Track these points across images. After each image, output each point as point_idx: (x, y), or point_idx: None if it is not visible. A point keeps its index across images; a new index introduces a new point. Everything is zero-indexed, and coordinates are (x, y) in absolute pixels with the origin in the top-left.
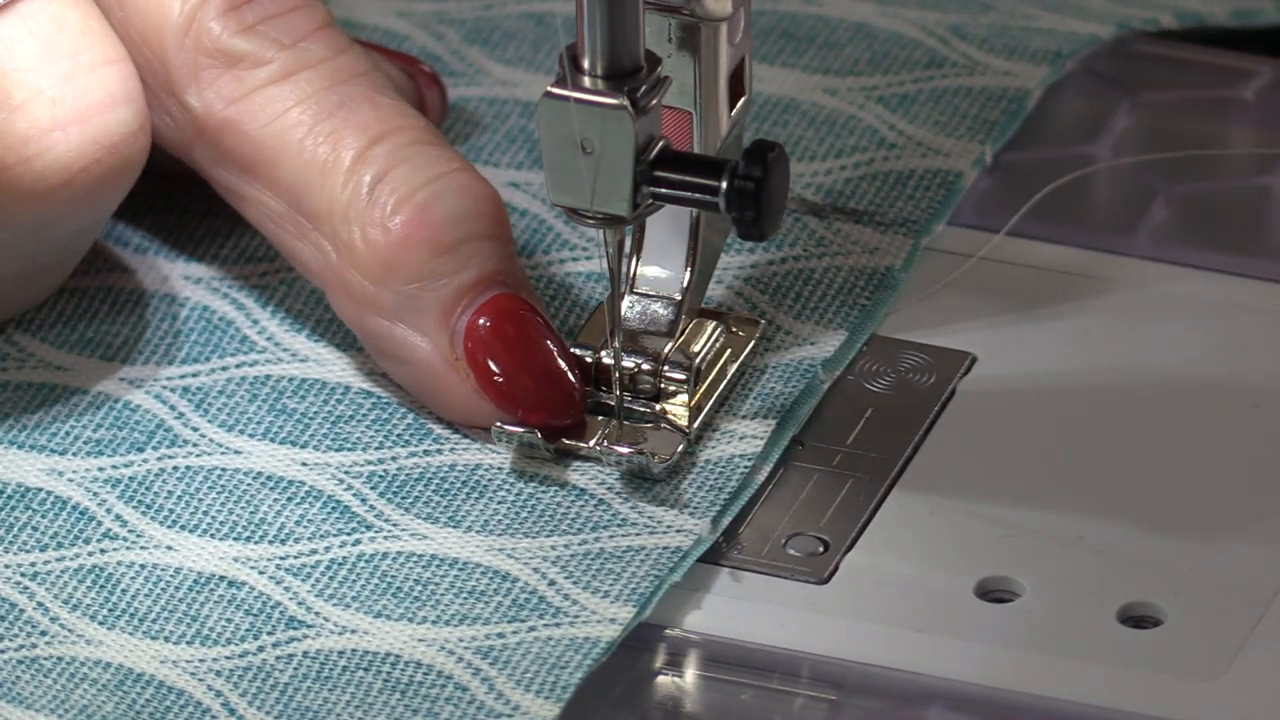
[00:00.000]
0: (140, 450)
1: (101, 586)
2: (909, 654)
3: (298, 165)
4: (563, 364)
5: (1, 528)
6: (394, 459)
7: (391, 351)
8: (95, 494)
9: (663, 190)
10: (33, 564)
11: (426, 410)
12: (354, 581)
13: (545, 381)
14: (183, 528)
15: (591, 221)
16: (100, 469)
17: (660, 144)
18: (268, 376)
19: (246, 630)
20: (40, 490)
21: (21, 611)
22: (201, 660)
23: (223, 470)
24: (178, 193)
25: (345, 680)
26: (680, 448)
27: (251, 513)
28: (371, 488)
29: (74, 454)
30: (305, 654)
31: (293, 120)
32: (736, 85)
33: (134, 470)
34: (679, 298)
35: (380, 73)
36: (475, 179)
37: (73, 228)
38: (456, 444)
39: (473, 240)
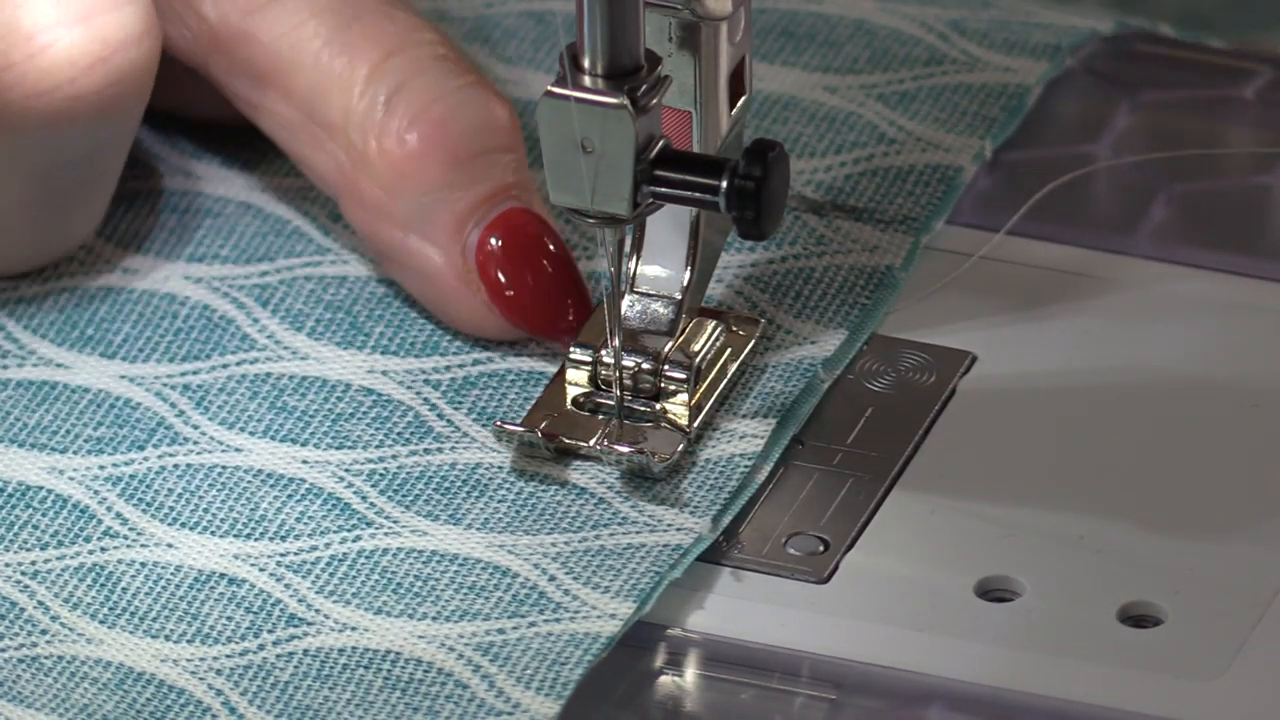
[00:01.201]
0: (141, 448)
1: (102, 585)
2: (909, 654)
3: (313, 76)
4: (568, 279)
5: (2, 526)
6: (394, 457)
7: (404, 262)
8: (95, 492)
9: (663, 190)
10: (33, 562)
11: (427, 408)
12: (354, 578)
13: (555, 296)
14: (183, 525)
15: (591, 221)
16: (100, 467)
17: (660, 143)
18: (268, 374)
19: (247, 628)
20: (40, 489)
21: (22, 610)
22: (202, 659)
23: (223, 468)
24: (178, 191)
25: (346, 678)
26: (680, 447)
27: (252, 510)
28: (372, 485)
29: (74, 452)
30: (305, 652)
31: (309, 32)
32: (737, 84)
33: (134, 468)
34: (679, 297)
35: None
36: (491, 93)
37: (84, 138)
38: (457, 442)
39: (488, 153)
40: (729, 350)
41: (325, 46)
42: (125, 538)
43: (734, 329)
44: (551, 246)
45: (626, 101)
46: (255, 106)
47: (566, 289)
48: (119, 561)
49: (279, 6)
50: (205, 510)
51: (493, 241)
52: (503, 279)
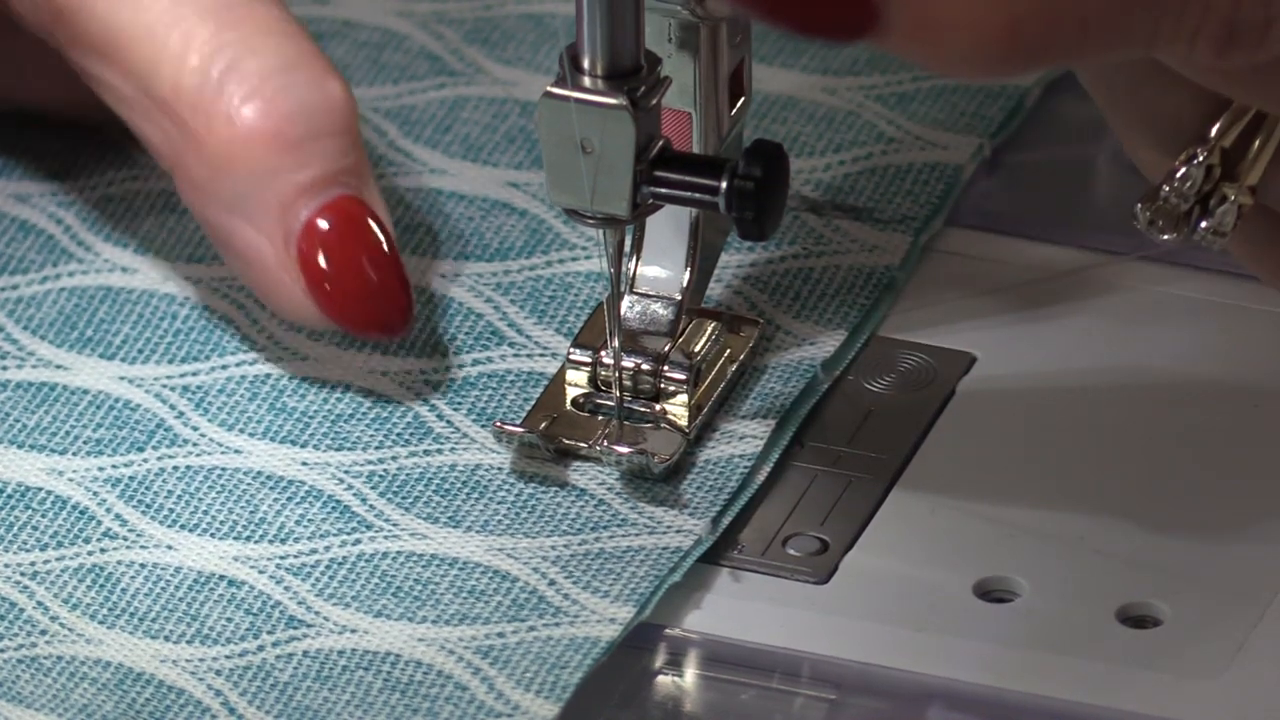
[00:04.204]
0: (140, 449)
1: (101, 586)
2: (909, 654)
3: (148, 49)
4: (393, 276)
5: (1, 527)
6: (394, 458)
7: (228, 245)
8: (95, 493)
9: (663, 190)
10: (33, 563)
11: (427, 409)
12: (354, 581)
13: (374, 293)
14: (183, 527)
15: (591, 221)
16: (100, 468)
17: (660, 144)
18: (268, 375)
19: (246, 629)
20: (40, 489)
21: (21, 611)
22: (201, 660)
23: (223, 469)
24: (177, 191)
25: (345, 680)
26: (680, 448)
27: (251, 512)
28: (371, 487)
29: (74, 453)
30: (305, 653)
31: (145, 3)
32: (736, 86)
33: (134, 469)
34: (679, 298)
35: None
36: (326, 74)
37: None
38: (457, 444)
39: (319, 137)
40: (728, 351)
41: (159, 20)
42: (125, 539)
43: (733, 330)
44: (379, 241)
45: (626, 102)
46: (96, 79)
47: (387, 287)
48: (118, 562)
49: None
50: (205, 512)
51: (315, 230)
52: (322, 269)
